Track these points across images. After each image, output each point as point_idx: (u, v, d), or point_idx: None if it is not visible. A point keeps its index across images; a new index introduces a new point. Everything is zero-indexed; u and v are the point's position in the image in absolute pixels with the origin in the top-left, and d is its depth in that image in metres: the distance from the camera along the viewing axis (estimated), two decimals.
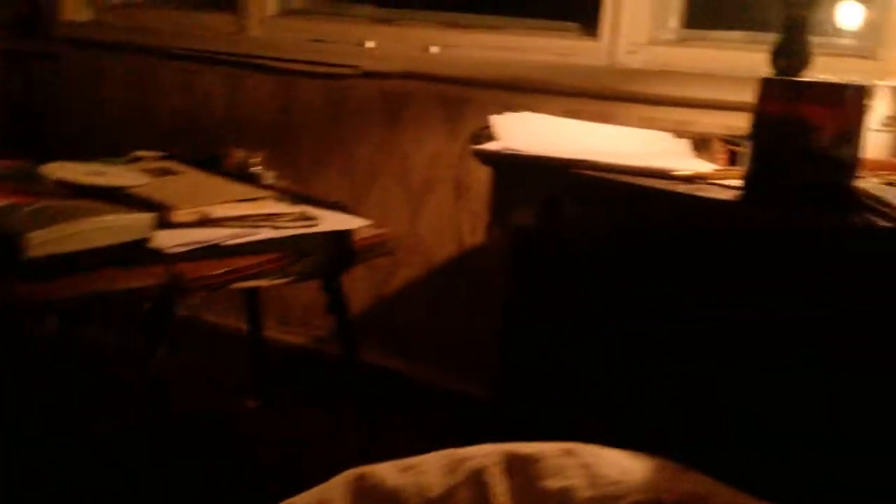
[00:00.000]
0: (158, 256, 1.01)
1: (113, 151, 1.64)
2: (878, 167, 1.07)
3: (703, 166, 0.93)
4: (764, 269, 0.77)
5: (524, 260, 1.01)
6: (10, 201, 1.04)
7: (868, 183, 0.84)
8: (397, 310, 2.02)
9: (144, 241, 1.02)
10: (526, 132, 1.10)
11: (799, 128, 0.76)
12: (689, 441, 0.76)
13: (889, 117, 1.24)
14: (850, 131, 0.76)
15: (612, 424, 0.85)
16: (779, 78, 0.79)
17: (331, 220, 1.26)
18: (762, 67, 1.69)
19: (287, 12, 2.19)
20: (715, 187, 0.86)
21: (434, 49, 1.98)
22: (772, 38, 1.78)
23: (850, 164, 0.76)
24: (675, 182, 0.87)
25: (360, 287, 2.05)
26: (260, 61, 2.08)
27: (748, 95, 1.38)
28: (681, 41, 1.85)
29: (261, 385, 1.94)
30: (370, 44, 2.03)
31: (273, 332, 2.05)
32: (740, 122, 1.40)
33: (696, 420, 0.81)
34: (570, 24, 1.96)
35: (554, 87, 1.84)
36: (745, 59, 1.67)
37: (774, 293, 0.77)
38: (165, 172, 1.27)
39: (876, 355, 0.72)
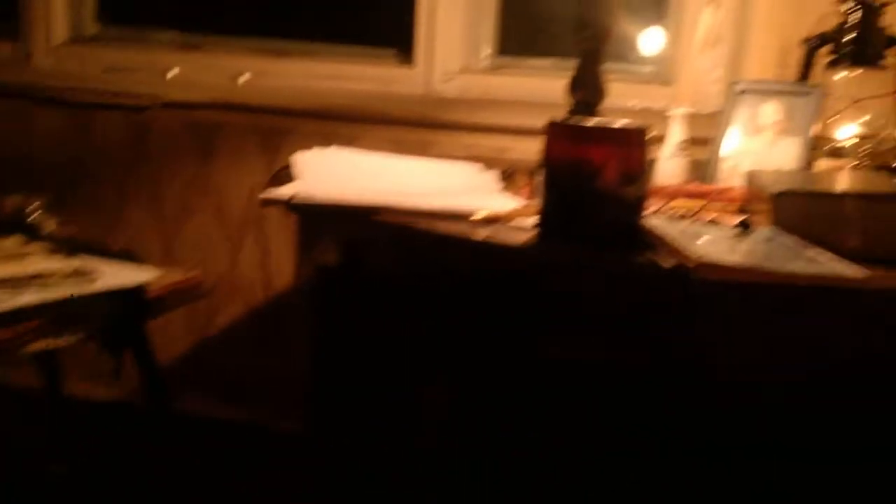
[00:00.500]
0: None
1: None
2: (675, 194, 1.09)
3: (505, 203, 0.90)
4: (557, 312, 0.74)
5: (326, 302, 0.96)
6: None
7: (657, 219, 0.84)
8: (218, 352, 1.89)
9: None
10: (329, 172, 1.04)
11: (583, 170, 0.75)
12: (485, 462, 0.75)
13: (683, 142, 1.29)
14: (634, 171, 0.75)
15: (420, 457, 0.83)
16: (562, 121, 0.77)
17: (113, 274, 1.13)
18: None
19: (78, 39, 2.00)
20: (512, 229, 0.83)
21: (245, 77, 1.88)
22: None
23: (636, 203, 0.76)
24: (473, 225, 0.83)
25: (178, 331, 1.91)
26: (49, 93, 1.88)
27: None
28: (494, 69, 1.86)
29: (66, 447, 1.75)
30: (174, 72, 1.89)
31: (81, 388, 1.85)
32: None
33: (493, 446, 0.78)
34: (386, 51, 1.92)
35: (375, 117, 1.80)
36: (558, 85, 1.69)
37: (569, 335, 0.75)
38: None
39: (668, 392, 0.71)
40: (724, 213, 1.01)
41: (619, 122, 0.76)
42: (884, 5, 1.28)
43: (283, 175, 1.07)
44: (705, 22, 1.68)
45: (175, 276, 1.49)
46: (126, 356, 1.43)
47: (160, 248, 1.89)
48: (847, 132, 1.28)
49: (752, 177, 0.98)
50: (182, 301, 1.50)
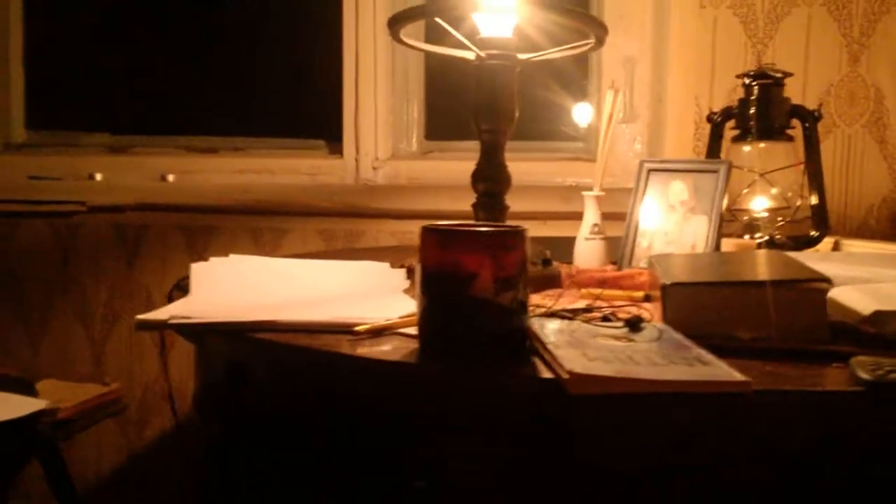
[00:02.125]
0: None
1: None
2: (583, 282, 1.07)
3: (399, 308, 0.87)
4: (440, 427, 0.71)
5: (212, 419, 0.91)
6: None
7: (545, 321, 0.81)
8: (145, 465, 1.82)
9: None
10: (221, 284, 1.01)
11: (456, 277, 0.72)
12: None
13: (595, 225, 1.27)
14: (510, 275, 0.72)
15: None
16: (434, 227, 0.75)
17: (4, 406, 1.08)
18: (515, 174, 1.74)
19: (7, 148, 1.98)
20: (399, 338, 0.80)
21: (172, 176, 1.86)
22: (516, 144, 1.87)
23: (515, 309, 0.73)
24: (358, 337, 0.80)
25: (111, 444, 1.83)
26: None
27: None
28: (423, 154, 1.86)
29: None
30: (99, 176, 1.87)
31: None
32: None
33: None
34: (317, 143, 1.92)
35: (304, 209, 1.78)
36: None
37: (437, 455, 0.71)
38: None
39: None
40: (629, 301, 0.99)
41: (496, 226, 0.74)
42: (785, 76, 1.29)
43: (184, 285, 1.04)
44: (620, 98, 1.70)
45: (92, 391, 1.44)
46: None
47: (90, 356, 1.83)
48: (760, 205, 1.28)
49: (651, 262, 0.97)
50: (98, 417, 1.45)
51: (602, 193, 1.29)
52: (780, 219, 1.28)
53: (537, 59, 1.17)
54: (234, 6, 2.04)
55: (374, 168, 1.81)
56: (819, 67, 1.60)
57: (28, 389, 1.19)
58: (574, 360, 0.67)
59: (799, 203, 1.29)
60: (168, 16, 2.06)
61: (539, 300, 0.97)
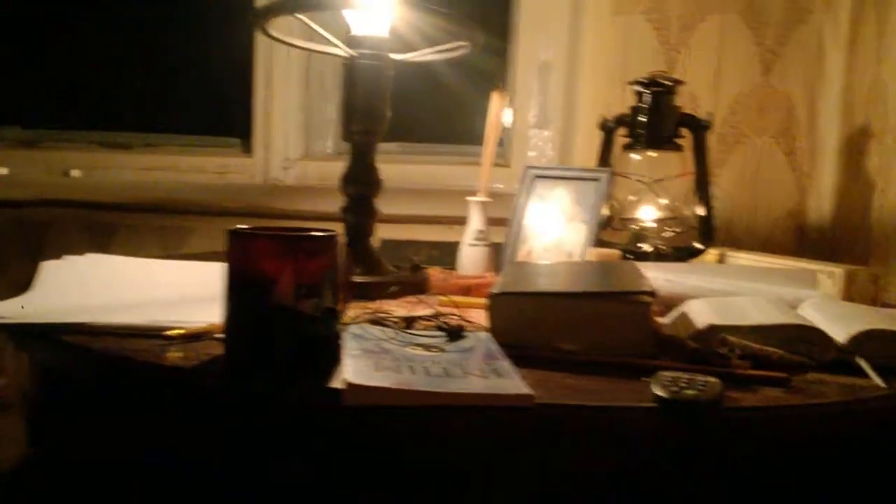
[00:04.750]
0: None
1: None
2: (444, 289, 1.04)
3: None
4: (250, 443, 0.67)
5: (34, 428, 0.88)
6: None
7: (364, 329, 0.78)
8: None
9: None
10: (64, 283, 0.97)
11: (258, 284, 0.68)
12: None
13: (481, 230, 1.24)
14: (313, 282, 0.69)
15: None
16: (237, 230, 0.71)
17: None
18: (415, 177, 1.71)
19: None
20: (214, 344, 0.76)
21: (76, 172, 1.81)
22: (438, 147, 1.84)
23: (318, 318, 0.69)
24: (170, 342, 0.76)
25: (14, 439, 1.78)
26: None
27: (399, 206, 1.35)
28: (337, 155, 1.83)
29: None
30: (3, 170, 1.82)
31: None
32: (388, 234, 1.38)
33: None
34: (231, 140, 1.89)
35: (211, 208, 1.74)
36: (403, 170, 1.66)
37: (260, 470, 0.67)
38: None
39: None
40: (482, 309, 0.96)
41: (302, 231, 0.71)
42: (676, 83, 1.27)
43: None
44: (534, 103, 1.68)
45: None
46: None
47: None
48: (648, 214, 1.26)
49: (504, 270, 0.94)
50: None
51: (487, 199, 1.26)
52: (668, 229, 1.25)
53: (413, 59, 1.14)
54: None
55: (284, 168, 1.77)
56: (731, 76, 1.58)
57: None
58: (359, 371, 0.64)
59: (684, 214, 1.27)
60: (85, 8, 2.01)
61: (393, 306, 0.94)
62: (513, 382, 0.64)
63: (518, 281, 0.85)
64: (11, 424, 1.73)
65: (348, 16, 1.08)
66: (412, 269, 1.11)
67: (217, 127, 1.91)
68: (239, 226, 0.73)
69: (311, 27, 1.09)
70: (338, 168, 1.80)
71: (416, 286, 1.07)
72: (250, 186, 1.77)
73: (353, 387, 0.61)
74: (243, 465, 0.69)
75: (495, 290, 0.79)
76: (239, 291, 0.71)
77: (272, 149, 1.78)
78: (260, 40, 1.76)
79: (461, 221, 1.62)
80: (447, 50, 1.13)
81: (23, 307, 0.86)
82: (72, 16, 2.02)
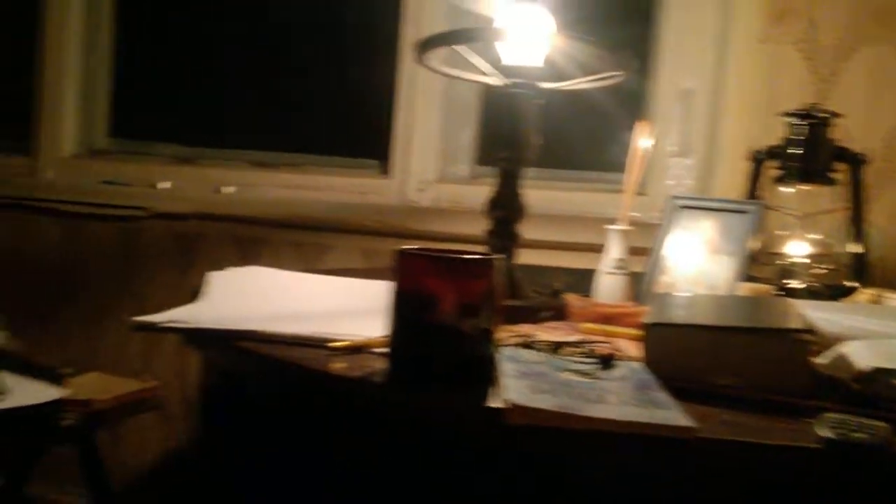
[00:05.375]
0: None
1: None
2: (584, 316, 1.04)
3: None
4: (400, 449, 0.71)
5: (208, 424, 0.94)
6: None
7: (515, 351, 0.80)
8: (181, 464, 1.88)
9: None
10: (228, 292, 1.04)
11: (424, 302, 0.72)
12: None
13: (620, 259, 1.24)
14: (475, 303, 0.72)
15: None
16: (405, 250, 0.75)
17: (24, 394, 1.15)
18: (549, 203, 1.73)
19: (85, 153, 2.12)
20: (373, 357, 0.80)
21: (229, 189, 1.94)
22: (581, 174, 1.85)
23: (477, 337, 0.72)
24: (333, 353, 0.81)
25: (152, 436, 1.91)
26: (46, 205, 1.99)
27: (533, 231, 1.37)
28: (471, 179, 1.87)
29: None
30: (165, 184, 1.97)
31: (53, 491, 1.86)
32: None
33: None
34: (368, 162, 1.96)
35: (349, 226, 1.82)
36: (537, 196, 1.68)
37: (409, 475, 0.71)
38: None
39: None
40: (630, 339, 0.96)
41: (467, 254, 0.74)
42: (834, 115, 1.23)
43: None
44: (674, 131, 1.66)
45: (131, 386, 1.51)
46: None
47: (140, 357, 1.92)
48: (798, 250, 1.22)
49: (650, 301, 0.93)
50: (133, 412, 1.51)
51: (628, 228, 1.26)
52: (818, 266, 1.21)
53: (564, 88, 1.16)
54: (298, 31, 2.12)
55: (420, 190, 1.83)
56: (885, 108, 1.51)
57: (55, 380, 1.26)
58: (520, 392, 0.66)
59: (836, 251, 1.22)
60: (240, 36, 2.16)
61: (531, 330, 0.95)
62: (672, 414, 0.64)
63: (670, 312, 0.85)
64: (157, 423, 1.86)
65: (500, 47, 1.11)
66: (551, 295, 1.12)
67: (357, 149, 2.00)
68: (404, 246, 0.77)
69: (462, 56, 1.13)
70: (472, 192, 1.86)
71: (556, 312, 1.08)
72: (386, 207, 1.83)
73: (516, 407, 0.63)
74: (400, 475, 0.72)
75: (650, 320, 0.79)
76: (404, 308, 0.74)
77: (409, 171, 1.84)
78: (403, 68, 1.83)
79: (593, 249, 1.62)
80: (600, 79, 1.14)
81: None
82: (227, 43, 2.17)
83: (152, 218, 1.92)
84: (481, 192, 1.85)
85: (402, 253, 0.75)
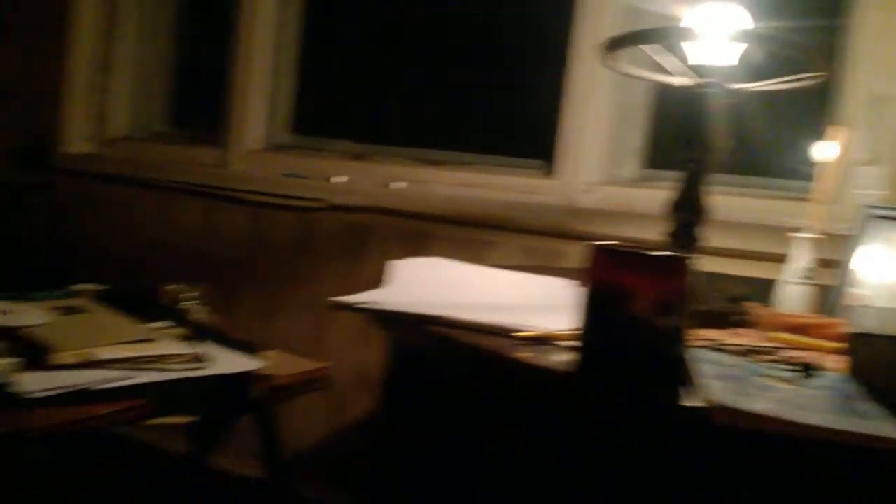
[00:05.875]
0: (15, 401, 1.01)
1: (81, 280, 1.69)
2: (773, 325, 1.01)
3: (562, 322, 0.90)
4: (586, 441, 0.72)
5: (390, 401, 1.00)
6: None
7: (709, 353, 0.79)
8: (346, 442, 1.98)
9: (4, 385, 1.03)
10: (414, 280, 1.09)
11: (620, 297, 0.73)
12: None
13: (808, 269, 1.19)
14: (671, 301, 0.72)
15: None
16: (602, 245, 0.76)
17: (224, 363, 1.25)
18: (733, 209, 1.67)
19: (269, 147, 2.28)
20: (557, 350, 0.82)
21: (399, 184, 2.02)
22: (732, 178, 1.79)
23: (671, 334, 0.72)
24: (517, 342, 0.84)
25: (315, 417, 2.02)
26: (234, 194, 2.15)
27: (713, 238, 1.35)
28: (638, 182, 1.85)
29: None
30: (341, 178, 2.09)
31: (230, 463, 2.01)
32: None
33: None
34: (533, 162, 1.98)
35: (512, 225, 1.85)
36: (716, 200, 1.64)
37: (596, 468, 0.72)
38: (73, 311, 1.30)
39: None
40: (818, 350, 0.92)
41: (661, 252, 0.74)
42: None
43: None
44: (864, 138, 1.56)
45: (305, 366, 1.60)
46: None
47: (312, 338, 2.04)
48: None
49: (850, 312, 0.89)
50: (306, 390, 1.61)
51: (816, 236, 1.20)
52: None
53: (756, 89, 1.13)
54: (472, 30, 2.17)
55: (586, 191, 1.83)
56: None
57: (251, 352, 1.36)
58: (725, 393, 0.65)
59: None
60: (415, 40, 2.24)
61: (717, 335, 0.94)
62: (878, 425, 0.61)
63: (874, 324, 0.81)
64: (324, 401, 1.98)
65: (687, 46, 1.10)
66: (733, 301, 1.10)
67: (523, 149, 2.02)
68: (600, 242, 0.78)
69: (642, 57, 1.12)
70: (639, 195, 1.84)
71: (736, 318, 1.06)
72: (551, 207, 1.84)
73: (722, 408, 0.63)
74: (585, 465, 0.73)
75: (856, 330, 0.76)
76: (598, 302, 0.76)
77: (575, 172, 1.84)
78: (574, 68, 1.83)
79: (771, 258, 1.56)
80: (794, 81, 1.10)
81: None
82: (398, 45, 2.26)
83: (327, 209, 2.04)
84: (649, 196, 1.85)
85: (599, 248, 0.77)
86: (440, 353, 0.89)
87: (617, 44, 1.12)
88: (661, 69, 1.16)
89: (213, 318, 1.50)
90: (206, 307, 1.51)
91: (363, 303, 0.93)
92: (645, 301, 0.73)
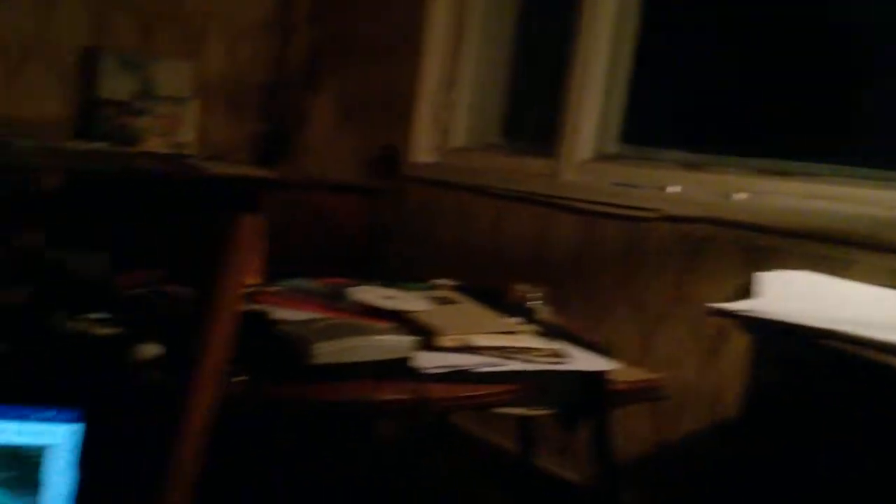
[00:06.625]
0: (414, 375, 1.14)
1: (431, 277, 1.87)
2: None
3: None
4: None
5: (759, 415, 0.95)
6: (314, 314, 1.26)
7: None
8: (673, 458, 1.93)
9: (406, 360, 1.16)
10: (787, 292, 1.04)
11: None
12: None
13: None
14: None
15: None
16: None
17: (581, 361, 1.28)
18: None
19: (600, 157, 2.31)
20: None
21: (740, 195, 1.93)
22: None
23: None
24: None
25: (644, 428, 2.01)
26: (565, 202, 2.22)
27: None
28: None
29: None
30: (674, 188, 2.05)
31: (547, 461, 2.08)
32: None
33: None
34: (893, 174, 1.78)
35: (874, 243, 1.67)
36: None
37: None
38: (446, 301, 1.43)
39: None
40: None
41: None
42: None
43: (743, 290, 1.11)
44: None
45: (640, 374, 1.61)
46: (584, 439, 1.59)
47: (638, 346, 2.03)
48: None
49: None
50: (642, 398, 1.61)
51: None
52: None
53: None
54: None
55: None
56: None
57: (604, 353, 1.40)
58: None
59: None
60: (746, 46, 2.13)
61: None
62: None
63: None
64: (650, 411, 1.95)
65: None
66: None
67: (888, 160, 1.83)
68: None
69: None
70: None
71: None
72: None
73: None
74: None
75: None
76: None
77: None
78: None
79: None
80: None
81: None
82: (737, 53, 2.16)
83: (660, 220, 2.02)
84: None
85: None
86: (831, 367, 0.83)
87: None
88: None
89: (555, 318, 1.56)
90: (550, 307, 1.58)
91: (746, 311, 0.90)
92: None
